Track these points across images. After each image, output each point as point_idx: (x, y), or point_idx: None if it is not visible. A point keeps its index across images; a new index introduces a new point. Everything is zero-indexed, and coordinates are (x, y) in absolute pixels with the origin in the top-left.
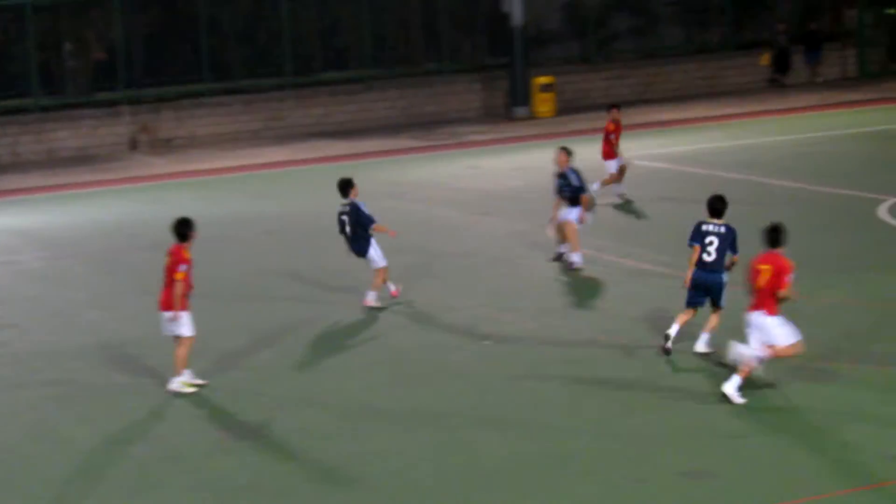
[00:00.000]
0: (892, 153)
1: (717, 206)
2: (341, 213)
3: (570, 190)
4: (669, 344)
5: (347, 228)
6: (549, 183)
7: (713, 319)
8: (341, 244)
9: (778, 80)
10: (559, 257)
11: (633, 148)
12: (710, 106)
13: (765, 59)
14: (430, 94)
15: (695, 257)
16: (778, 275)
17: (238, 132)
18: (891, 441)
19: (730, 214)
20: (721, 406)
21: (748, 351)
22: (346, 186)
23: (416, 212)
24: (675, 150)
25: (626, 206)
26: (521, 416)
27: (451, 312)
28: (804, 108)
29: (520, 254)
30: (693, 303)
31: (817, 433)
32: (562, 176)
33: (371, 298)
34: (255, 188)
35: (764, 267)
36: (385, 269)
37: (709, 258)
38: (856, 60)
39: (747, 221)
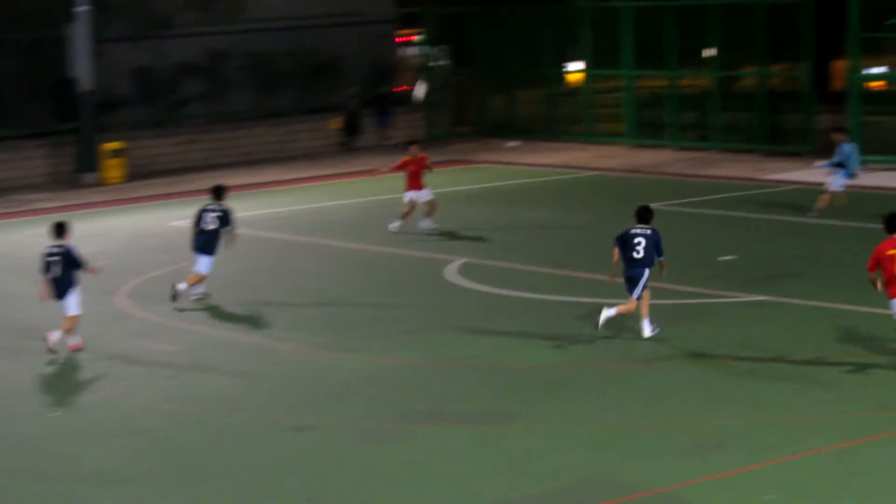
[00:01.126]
0: (458, 214)
1: (643, 214)
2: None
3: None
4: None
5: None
6: (118, 249)
7: (631, 305)
8: None
9: (348, 143)
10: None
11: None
12: (282, 170)
13: (335, 122)
14: None
15: (615, 257)
16: None
17: None
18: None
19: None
20: None
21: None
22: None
23: None
24: (246, 215)
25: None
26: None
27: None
28: (373, 172)
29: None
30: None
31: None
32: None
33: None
34: None
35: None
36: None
37: (638, 256)
38: (423, 123)
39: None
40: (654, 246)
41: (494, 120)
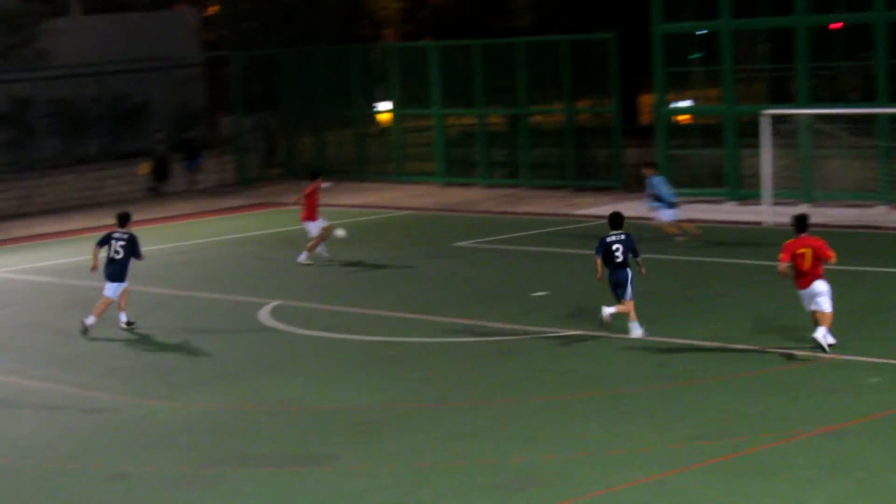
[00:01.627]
0: (271, 257)
1: (616, 221)
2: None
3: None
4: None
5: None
6: None
7: (628, 306)
8: None
9: (157, 188)
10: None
11: (12, 263)
12: (90, 217)
13: (144, 168)
14: None
15: (599, 264)
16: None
17: None
18: None
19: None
20: None
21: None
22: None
23: None
24: (56, 263)
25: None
26: None
27: None
28: (184, 216)
29: None
30: (617, 295)
31: None
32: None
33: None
34: None
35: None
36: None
37: (619, 260)
38: (234, 167)
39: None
40: (630, 248)
41: (305, 162)
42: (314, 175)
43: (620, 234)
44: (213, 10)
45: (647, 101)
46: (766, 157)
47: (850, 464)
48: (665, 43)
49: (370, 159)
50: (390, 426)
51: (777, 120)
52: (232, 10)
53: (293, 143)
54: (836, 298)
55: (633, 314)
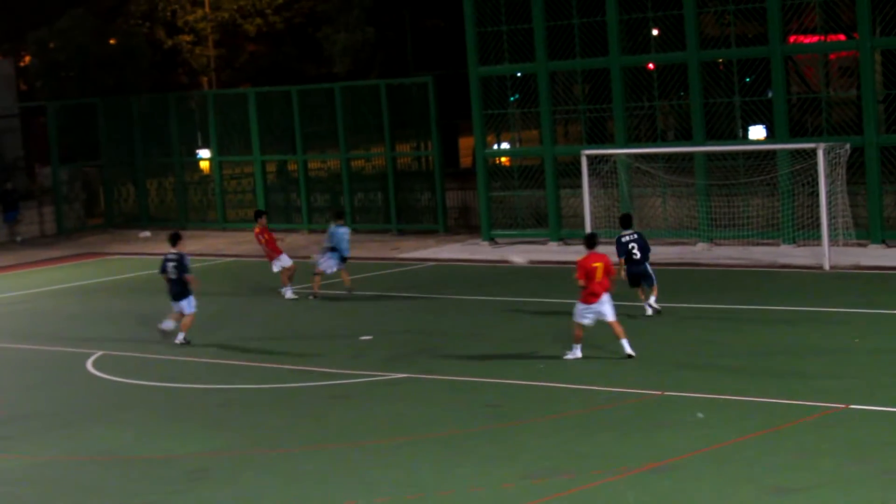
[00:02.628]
0: (95, 307)
1: (627, 220)
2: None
3: None
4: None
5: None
6: None
7: (652, 290)
8: None
9: None
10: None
11: None
12: None
13: None
14: None
15: (622, 263)
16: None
17: None
18: None
19: None
20: None
21: None
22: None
23: None
24: None
25: None
26: None
27: None
28: (5, 268)
29: None
30: (636, 285)
31: None
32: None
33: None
34: None
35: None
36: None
37: (636, 256)
38: (53, 217)
39: None
40: (644, 244)
41: (125, 211)
42: (257, 215)
43: (633, 233)
44: (27, 59)
45: (466, 143)
46: (587, 197)
47: (678, 498)
48: (482, 86)
49: (192, 207)
50: (221, 473)
51: (596, 160)
52: (47, 60)
53: (114, 192)
54: (664, 336)
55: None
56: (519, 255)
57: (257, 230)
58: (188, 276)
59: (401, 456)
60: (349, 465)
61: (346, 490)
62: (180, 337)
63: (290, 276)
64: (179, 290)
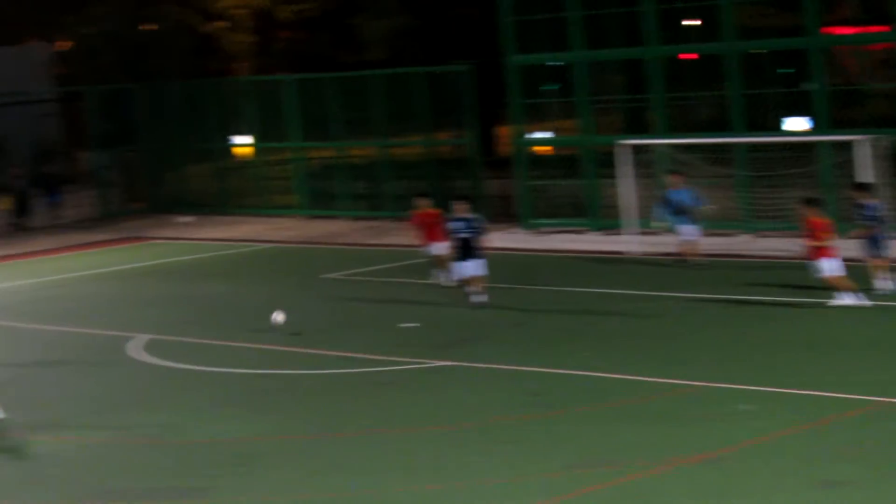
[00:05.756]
0: (135, 291)
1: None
2: None
3: None
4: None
5: None
6: None
7: None
8: None
9: (19, 223)
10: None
11: None
12: None
13: (5, 203)
14: None
15: None
16: None
17: None
18: None
19: None
20: None
21: None
22: None
23: None
24: None
25: None
26: None
27: None
28: (48, 251)
29: None
30: None
31: None
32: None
33: None
34: None
35: None
36: None
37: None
38: (95, 201)
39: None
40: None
41: (166, 196)
42: (422, 196)
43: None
44: (64, 45)
45: (504, 132)
46: (626, 188)
47: (727, 491)
48: (520, 74)
49: (231, 193)
50: (267, 458)
51: (635, 150)
52: (85, 46)
53: (153, 177)
54: (710, 328)
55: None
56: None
57: (420, 213)
58: None
59: (446, 443)
60: (396, 451)
61: (392, 477)
62: None
63: (442, 262)
64: None
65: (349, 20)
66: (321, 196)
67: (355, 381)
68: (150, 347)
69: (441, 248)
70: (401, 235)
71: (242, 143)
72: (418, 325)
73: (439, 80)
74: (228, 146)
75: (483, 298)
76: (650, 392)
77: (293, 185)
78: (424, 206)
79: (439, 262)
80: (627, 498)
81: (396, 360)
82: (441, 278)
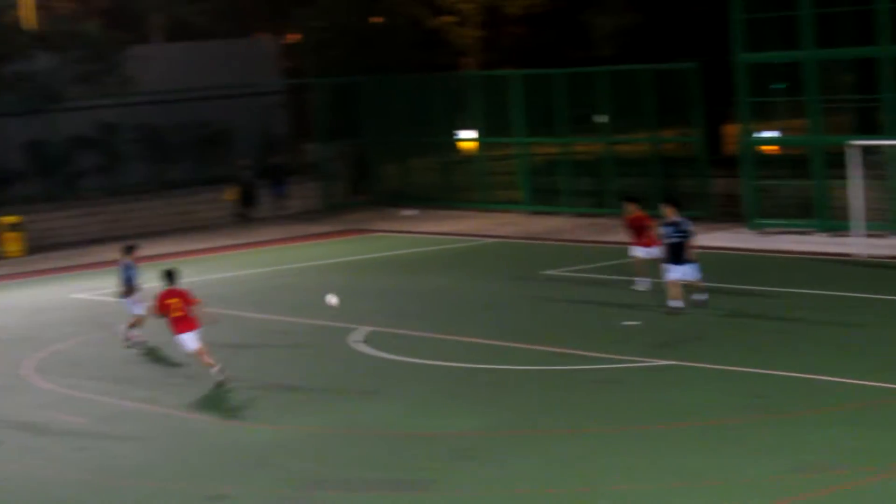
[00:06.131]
0: (360, 283)
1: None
2: None
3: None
4: None
5: None
6: (20, 322)
7: None
8: None
9: (245, 214)
10: None
11: (107, 286)
12: (180, 241)
13: (230, 194)
14: None
15: None
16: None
17: None
18: None
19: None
20: None
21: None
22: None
23: None
24: (146, 287)
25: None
26: None
27: None
28: (272, 242)
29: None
30: None
31: None
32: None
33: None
34: None
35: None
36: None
37: None
38: (319, 193)
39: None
40: None
41: (389, 189)
42: (629, 199)
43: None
44: (292, 38)
45: (730, 131)
46: (855, 189)
47: None
48: (748, 72)
49: (455, 187)
50: (487, 452)
51: (865, 151)
52: (313, 39)
53: (377, 170)
54: None
55: None
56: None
57: (628, 217)
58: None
59: (665, 443)
60: (613, 449)
61: (609, 475)
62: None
63: (644, 267)
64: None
65: (578, 16)
66: (544, 192)
67: (572, 377)
68: (370, 339)
69: (644, 252)
70: (624, 233)
71: (467, 137)
72: (640, 323)
73: (666, 78)
74: (453, 140)
75: (703, 297)
76: (873, 397)
77: (517, 180)
78: (632, 210)
79: (637, 267)
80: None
81: (614, 357)
82: (639, 285)
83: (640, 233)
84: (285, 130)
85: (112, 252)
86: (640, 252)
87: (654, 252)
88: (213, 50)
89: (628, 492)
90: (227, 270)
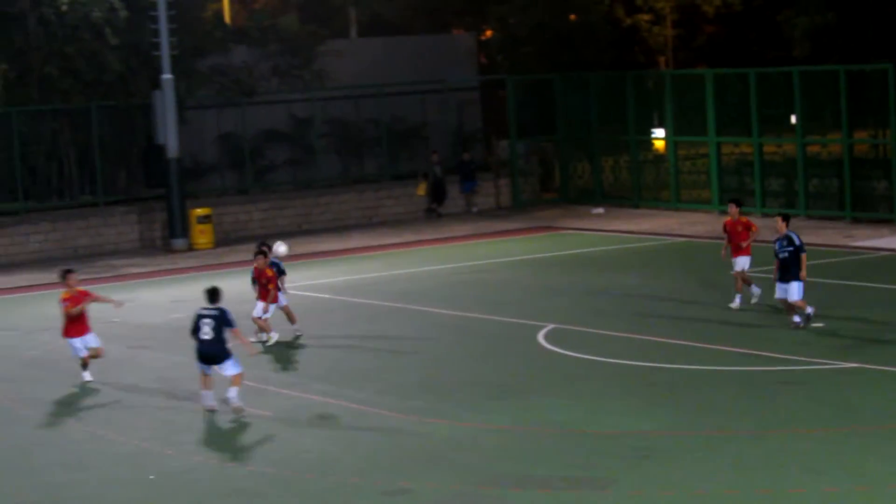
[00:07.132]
0: (547, 281)
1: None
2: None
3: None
4: None
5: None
6: None
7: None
8: None
9: (434, 209)
10: None
11: (293, 279)
12: (369, 236)
13: (421, 189)
14: (84, 227)
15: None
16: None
17: None
18: None
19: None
20: None
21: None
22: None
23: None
24: (335, 281)
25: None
26: None
27: (112, 446)
28: (461, 238)
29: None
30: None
31: None
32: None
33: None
34: None
35: None
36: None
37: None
38: (509, 190)
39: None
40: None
41: (579, 187)
42: (732, 201)
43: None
44: (488, 34)
45: None
46: None
47: None
48: None
49: (644, 186)
50: (668, 452)
51: None
52: (507, 35)
53: (569, 167)
54: None
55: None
56: (283, 245)
57: (729, 221)
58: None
59: (849, 446)
60: (796, 451)
61: (792, 477)
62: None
63: (745, 279)
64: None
65: (774, 16)
66: (734, 192)
67: (757, 378)
68: (555, 336)
69: (743, 262)
70: (814, 234)
71: (659, 136)
72: (823, 325)
73: (860, 78)
74: (645, 139)
75: (798, 320)
76: None
77: (707, 179)
78: (733, 214)
79: (738, 280)
80: None
81: (800, 359)
82: (735, 302)
83: (739, 239)
84: (479, 127)
85: (301, 246)
86: (738, 263)
87: (747, 262)
88: (409, 45)
89: (809, 495)
90: (413, 266)
